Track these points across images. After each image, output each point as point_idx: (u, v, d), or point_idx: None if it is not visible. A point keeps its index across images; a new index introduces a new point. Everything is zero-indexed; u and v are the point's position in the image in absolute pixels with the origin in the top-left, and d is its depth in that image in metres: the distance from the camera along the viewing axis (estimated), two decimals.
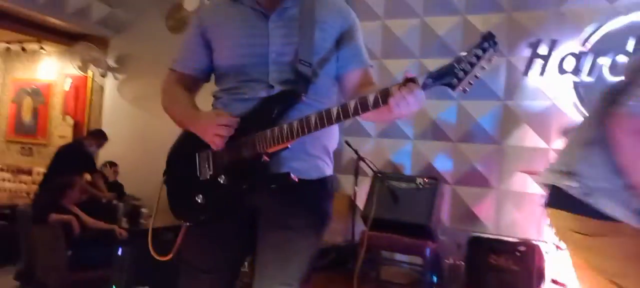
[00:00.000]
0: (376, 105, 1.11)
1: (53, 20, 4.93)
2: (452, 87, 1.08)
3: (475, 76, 1.07)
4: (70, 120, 5.45)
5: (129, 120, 5.05)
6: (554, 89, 3.22)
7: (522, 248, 3.03)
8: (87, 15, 4.93)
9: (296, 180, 1.25)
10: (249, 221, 1.36)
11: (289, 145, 1.24)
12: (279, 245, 1.33)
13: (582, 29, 3.15)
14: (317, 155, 1.37)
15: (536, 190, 3.26)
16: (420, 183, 3.15)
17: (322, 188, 1.39)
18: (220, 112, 1.31)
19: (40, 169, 5.12)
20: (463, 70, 1.06)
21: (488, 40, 1.07)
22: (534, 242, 3.06)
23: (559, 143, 3.21)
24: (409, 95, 1.07)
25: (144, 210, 4.35)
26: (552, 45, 3.19)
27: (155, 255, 1.42)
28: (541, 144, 3.27)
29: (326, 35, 1.37)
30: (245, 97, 1.33)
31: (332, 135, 1.42)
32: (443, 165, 3.55)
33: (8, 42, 5.79)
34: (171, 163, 1.45)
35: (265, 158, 1.25)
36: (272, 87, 1.31)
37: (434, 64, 3.60)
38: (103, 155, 4.85)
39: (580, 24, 3.16)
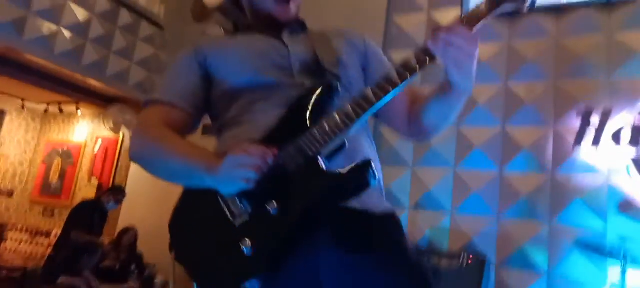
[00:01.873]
0: (421, 62, 0.95)
1: (93, 83, 5.06)
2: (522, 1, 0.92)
3: None
4: (95, 182, 5.41)
5: (153, 184, 4.92)
6: (608, 162, 2.95)
7: None
8: (126, 79, 5.04)
9: (376, 174, 0.97)
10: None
11: (345, 141, 0.98)
12: None
13: (638, 99, 2.94)
14: (377, 183, 1.07)
15: (591, 276, 2.88)
16: (464, 260, 2.82)
17: (398, 225, 1.10)
18: (242, 144, 0.99)
19: (59, 232, 5.01)
20: None
21: None
22: None
23: (617, 221, 2.88)
24: (453, 39, 0.91)
25: (157, 280, 4.12)
26: (606, 115, 2.97)
27: None
28: (596, 221, 2.94)
29: (347, 48, 1.21)
30: (271, 104, 1.08)
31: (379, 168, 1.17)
32: (486, 243, 3.22)
33: (48, 104, 5.97)
34: (179, 231, 1.08)
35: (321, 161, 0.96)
36: (302, 84, 1.09)
37: (473, 132, 3.41)
38: (123, 218, 4.72)
39: (636, 94, 2.96)
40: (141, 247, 4.42)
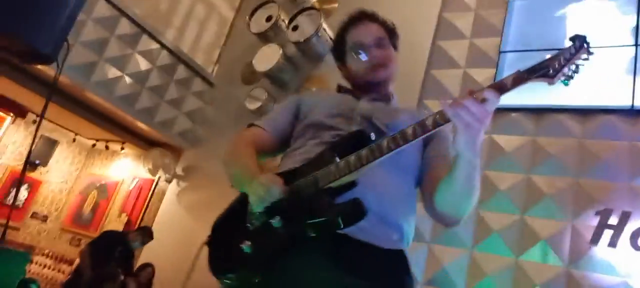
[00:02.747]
0: (435, 123, 1.06)
1: (141, 126, 5.47)
2: (549, 77, 0.99)
3: (574, 67, 1.00)
4: (124, 218, 5.65)
5: (180, 227, 5.13)
6: (626, 265, 2.94)
7: None
8: (171, 127, 5.43)
9: (365, 210, 1.09)
10: None
11: (355, 180, 1.14)
12: None
13: None
14: (393, 226, 1.25)
15: None
16: None
17: (400, 261, 1.24)
18: (276, 178, 1.22)
19: None
20: (559, 63, 0.99)
21: (577, 41, 1.00)
22: None
23: None
24: (465, 102, 1.01)
25: None
26: (624, 218, 3.01)
27: None
28: None
29: (410, 120, 1.31)
30: (321, 141, 1.33)
31: (410, 219, 1.31)
32: None
33: (97, 140, 6.43)
34: (216, 226, 1.36)
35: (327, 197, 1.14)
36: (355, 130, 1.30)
37: (494, 218, 3.47)
38: (143, 255, 4.87)
39: None
40: (159, 286, 4.52)
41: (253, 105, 4.80)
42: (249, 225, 1.24)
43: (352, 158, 1.14)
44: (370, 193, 1.18)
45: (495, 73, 3.87)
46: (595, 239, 3.06)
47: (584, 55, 0.99)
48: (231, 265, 1.24)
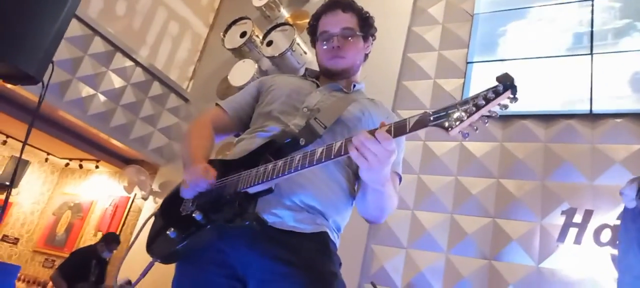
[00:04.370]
0: (339, 153, 1.06)
1: (116, 143, 5.42)
2: (446, 129, 0.93)
3: (480, 119, 0.93)
4: (100, 237, 5.56)
5: None
6: (591, 260, 3.11)
7: None
8: (146, 143, 5.41)
9: (267, 221, 1.17)
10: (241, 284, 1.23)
11: (272, 187, 1.17)
12: None
13: (617, 204, 3.17)
14: (317, 211, 1.28)
15: None
16: None
17: (320, 243, 1.26)
18: (208, 167, 1.25)
19: None
20: (466, 111, 0.92)
21: (503, 83, 0.90)
22: None
23: None
24: (369, 141, 1.00)
25: None
26: (587, 216, 3.19)
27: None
28: None
29: (363, 117, 1.39)
30: (262, 134, 1.36)
31: (342, 208, 1.34)
32: None
33: (70, 159, 6.31)
34: (163, 203, 1.40)
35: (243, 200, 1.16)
36: (290, 131, 1.32)
37: (466, 221, 3.61)
38: (123, 271, 4.81)
39: (614, 199, 3.20)
40: None
41: None
42: (181, 211, 1.28)
43: (269, 166, 1.17)
44: (296, 187, 1.24)
45: (464, 82, 4.04)
46: (562, 237, 3.23)
47: (505, 101, 0.91)
48: (157, 248, 1.28)
